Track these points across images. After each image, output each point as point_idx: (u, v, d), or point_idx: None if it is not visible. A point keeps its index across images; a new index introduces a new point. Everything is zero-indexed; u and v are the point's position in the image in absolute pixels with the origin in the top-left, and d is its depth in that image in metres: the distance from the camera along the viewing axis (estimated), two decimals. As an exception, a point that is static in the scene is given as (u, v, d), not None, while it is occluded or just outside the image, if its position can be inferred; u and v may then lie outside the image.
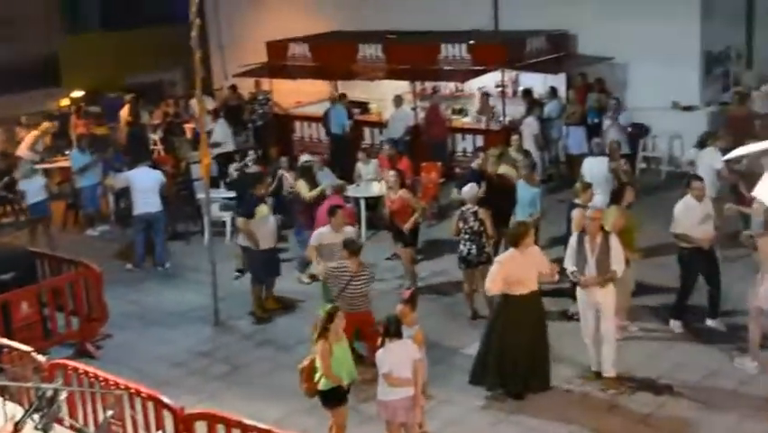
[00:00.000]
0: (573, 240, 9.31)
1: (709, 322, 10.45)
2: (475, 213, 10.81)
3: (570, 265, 9.29)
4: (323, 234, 10.59)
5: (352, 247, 9.55)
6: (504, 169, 12.53)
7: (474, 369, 9.28)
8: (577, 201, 10.74)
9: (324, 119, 18.46)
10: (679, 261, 10.44)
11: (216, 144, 17.07)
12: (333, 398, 7.92)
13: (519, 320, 8.95)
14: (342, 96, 18.45)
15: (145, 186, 13.70)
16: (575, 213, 10.45)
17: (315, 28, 20.94)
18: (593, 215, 9.21)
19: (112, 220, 16.37)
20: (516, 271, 8.83)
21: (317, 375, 7.84)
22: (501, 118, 17.24)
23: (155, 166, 14.87)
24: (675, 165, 16.49)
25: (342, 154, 17.13)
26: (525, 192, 11.74)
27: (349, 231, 10.62)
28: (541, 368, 9.20)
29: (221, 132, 17.48)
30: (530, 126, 16.11)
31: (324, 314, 7.84)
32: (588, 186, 10.92)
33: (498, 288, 8.87)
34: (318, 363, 7.80)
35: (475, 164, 12.64)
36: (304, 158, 14.66)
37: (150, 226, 13.89)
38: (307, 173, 13.40)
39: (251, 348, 10.98)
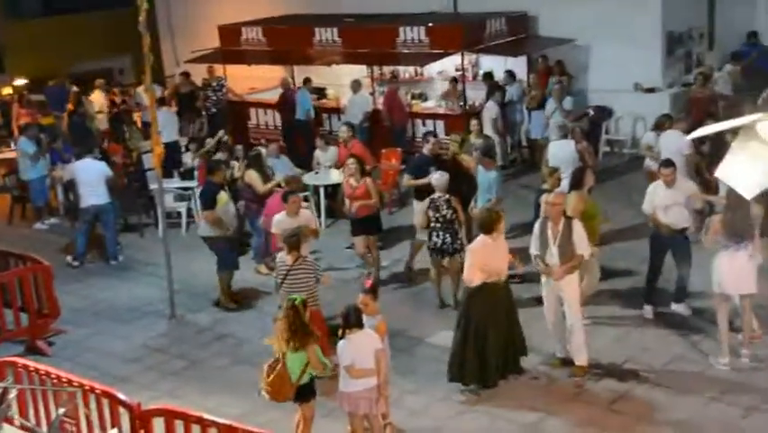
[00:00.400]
0: (537, 225, 9.38)
1: (674, 307, 10.58)
2: (448, 201, 10.83)
3: (533, 250, 9.37)
4: (280, 220, 10.60)
5: (289, 242, 9.40)
6: (463, 155, 12.59)
7: (452, 366, 9.19)
8: (545, 186, 10.82)
9: (279, 105, 18.39)
10: (649, 241, 10.60)
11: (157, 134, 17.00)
12: (309, 391, 7.93)
13: (495, 309, 8.98)
14: (308, 80, 18.40)
15: (90, 177, 13.57)
16: (543, 198, 10.51)
17: (269, 11, 20.85)
18: (554, 200, 9.24)
19: (61, 213, 16.19)
20: (490, 258, 8.84)
21: (296, 374, 7.76)
22: (462, 103, 17.31)
23: (102, 157, 14.70)
24: (638, 148, 16.66)
25: (306, 141, 17.05)
26: (482, 177, 11.79)
27: (305, 214, 10.66)
28: (516, 355, 9.30)
29: (162, 120, 17.16)
30: (490, 111, 16.18)
31: (292, 308, 7.75)
32: (554, 170, 11.00)
33: (479, 277, 8.82)
34: (293, 363, 7.73)
35: (426, 149, 12.59)
36: (270, 148, 14.40)
37: (98, 219, 13.78)
38: (257, 162, 13.23)
39: (209, 342, 10.94)
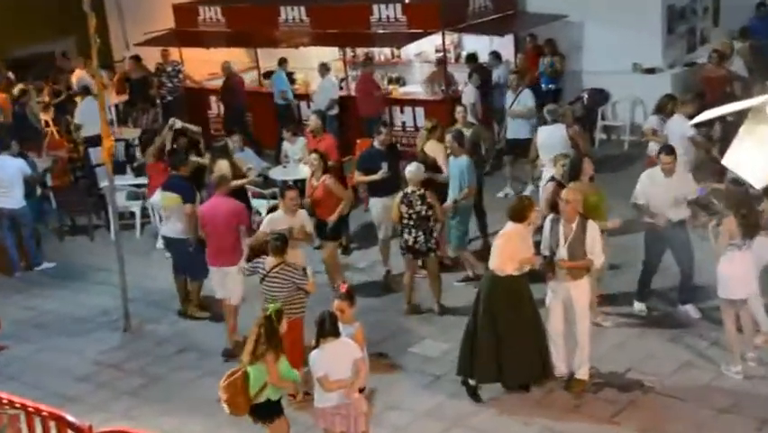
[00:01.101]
0: (547, 223, 9.32)
1: (680, 307, 10.66)
2: (422, 196, 10.84)
3: (544, 250, 9.32)
4: (274, 219, 10.44)
5: (274, 245, 9.32)
6: (431, 145, 12.49)
7: (462, 360, 9.25)
8: (551, 175, 10.90)
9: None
10: (644, 237, 10.64)
11: (77, 127, 17.01)
12: (277, 408, 7.90)
13: (515, 303, 8.99)
14: (283, 60, 18.34)
15: (4, 177, 13.40)
16: (548, 187, 10.54)
17: (228, -12, 20.74)
18: (569, 196, 9.12)
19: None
20: (521, 247, 8.91)
21: (255, 388, 7.73)
22: (443, 87, 17.31)
23: (22, 154, 14.45)
24: (638, 134, 16.72)
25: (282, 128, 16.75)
26: (453, 165, 11.75)
27: (301, 215, 10.48)
28: (544, 355, 9.27)
29: (85, 110, 17.02)
30: (467, 95, 16.11)
31: (265, 318, 7.76)
32: (565, 156, 11.04)
33: (513, 267, 8.86)
34: (254, 374, 7.70)
35: (377, 141, 12.56)
36: (233, 139, 14.32)
37: (13, 224, 13.66)
38: (226, 154, 13.10)
39: (169, 356, 10.90)
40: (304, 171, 14.28)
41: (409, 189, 10.94)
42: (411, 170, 11.02)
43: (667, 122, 12.82)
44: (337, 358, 7.74)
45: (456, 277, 11.94)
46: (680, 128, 12.30)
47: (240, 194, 12.22)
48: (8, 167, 13.50)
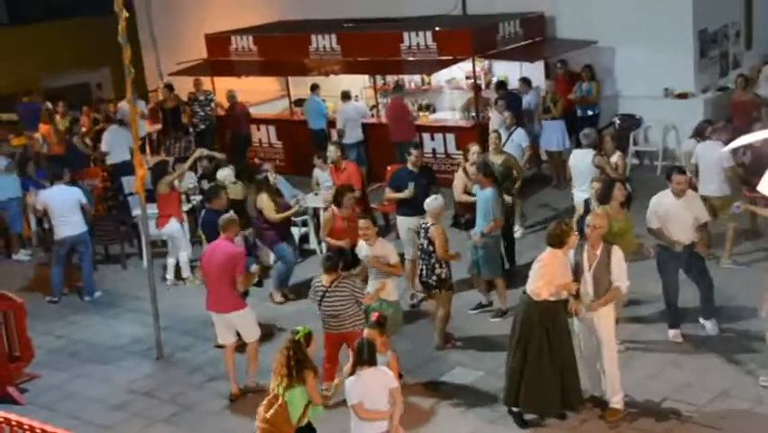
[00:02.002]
0: (572, 249, 9.24)
1: (702, 321, 10.68)
2: (426, 229, 10.73)
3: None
4: (360, 246, 10.47)
5: (325, 265, 9.65)
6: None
7: (509, 390, 9.16)
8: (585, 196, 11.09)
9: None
10: (656, 261, 10.59)
11: (103, 155, 17.34)
12: (314, 429, 7.93)
13: (547, 329, 8.87)
14: (316, 86, 18.48)
15: (64, 206, 13.48)
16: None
17: (260, 18, 20.89)
18: (595, 222, 9.08)
19: (34, 244, 16.15)
20: (560, 272, 8.83)
21: (298, 413, 7.72)
22: (473, 114, 17.27)
23: (74, 182, 14.61)
24: (671, 158, 16.61)
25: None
26: (480, 197, 11.66)
27: (382, 245, 10.31)
28: (568, 388, 9.13)
29: (111, 140, 17.36)
30: (494, 122, 15.92)
31: (296, 338, 7.78)
32: (600, 180, 11.16)
33: (549, 292, 8.77)
34: (293, 400, 7.70)
35: (409, 163, 12.63)
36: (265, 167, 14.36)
37: (74, 250, 13.73)
38: (268, 186, 13.14)
39: (201, 384, 10.87)
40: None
41: (422, 221, 10.90)
42: (428, 201, 10.90)
43: (698, 147, 12.74)
44: (373, 387, 7.69)
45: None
46: (713, 154, 12.19)
47: (284, 223, 12.83)
48: (67, 196, 13.60)
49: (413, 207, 12.10)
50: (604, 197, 10.42)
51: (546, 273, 8.82)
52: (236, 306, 10.28)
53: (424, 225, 10.79)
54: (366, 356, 7.72)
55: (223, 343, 10.52)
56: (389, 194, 12.79)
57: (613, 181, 10.90)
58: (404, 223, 12.42)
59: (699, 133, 13.10)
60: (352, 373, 7.77)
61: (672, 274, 10.46)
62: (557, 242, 8.89)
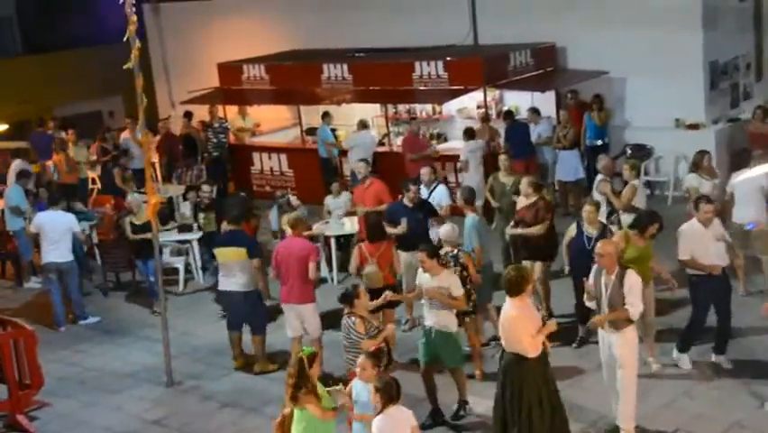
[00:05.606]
0: (592, 274, 9.26)
1: (714, 358, 10.59)
2: (455, 257, 10.66)
3: (589, 304, 9.35)
4: (420, 275, 10.11)
5: (343, 300, 9.34)
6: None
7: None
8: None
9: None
10: (689, 289, 10.54)
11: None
12: None
13: (528, 383, 8.55)
14: (327, 114, 18.54)
15: (54, 232, 13.51)
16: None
17: (272, 47, 21.00)
18: (600, 250, 9.05)
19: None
20: (532, 323, 8.45)
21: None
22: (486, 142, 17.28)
23: (70, 209, 14.60)
24: (681, 189, 16.56)
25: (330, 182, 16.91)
26: (465, 224, 11.62)
27: (446, 276, 9.92)
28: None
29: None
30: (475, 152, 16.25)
31: (298, 361, 7.78)
32: (596, 204, 11.43)
33: (536, 347, 8.39)
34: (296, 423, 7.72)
35: (406, 198, 12.49)
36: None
37: (61, 278, 13.75)
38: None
39: (210, 412, 10.82)
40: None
41: (443, 251, 10.69)
42: (445, 230, 10.86)
43: (733, 178, 12.79)
44: (397, 426, 7.57)
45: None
46: (752, 183, 12.35)
47: None
48: (60, 222, 13.64)
49: (408, 243, 11.89)
50: (640, 227, 10.42)
51: (522, 330, 8.38)
52: (307, 298, 11.03)
53: (451, 255, 10.65)
54: (395, 394, 7.59)
55: (292, 335, 11.17)
56: (388, 227, 12.33)
57: (652, 214, 10.81)
58: (400, 255, 12.14)
59: (696, 165, 13.13)
60: (379, 412, 7.60)
61: (705, 302, 10.43)
62: (516, 290, 8.46)
